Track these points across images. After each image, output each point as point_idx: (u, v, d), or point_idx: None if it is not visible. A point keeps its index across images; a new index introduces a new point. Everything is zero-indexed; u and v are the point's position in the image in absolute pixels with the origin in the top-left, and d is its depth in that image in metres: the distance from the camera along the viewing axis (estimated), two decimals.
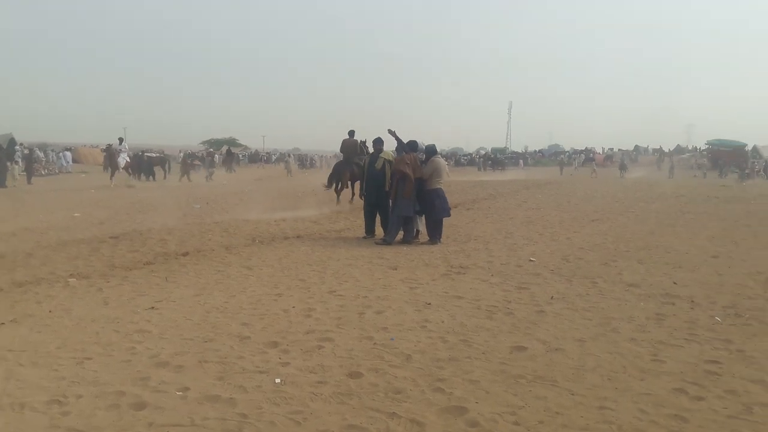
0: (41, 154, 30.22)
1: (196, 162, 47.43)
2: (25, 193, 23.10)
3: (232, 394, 4.09)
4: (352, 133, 18.18)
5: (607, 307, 6.42)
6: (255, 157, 68.62)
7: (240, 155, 63.83)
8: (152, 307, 6.36)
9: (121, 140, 27.66)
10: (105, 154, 32.06)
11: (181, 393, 4.10)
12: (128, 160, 27.85)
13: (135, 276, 7.97)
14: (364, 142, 17.60)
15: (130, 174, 27.83)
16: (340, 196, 17.81)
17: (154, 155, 37.17)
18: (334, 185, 17.74)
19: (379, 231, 11.60)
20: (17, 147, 34.00)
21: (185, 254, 9.51)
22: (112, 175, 26.76)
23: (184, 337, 5.35)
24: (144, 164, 34.09)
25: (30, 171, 29.26)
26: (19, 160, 32.03)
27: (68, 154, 43.75)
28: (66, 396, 4.03)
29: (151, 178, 32.88)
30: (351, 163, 17.69)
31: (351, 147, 17.98)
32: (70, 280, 7.60)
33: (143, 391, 4.13)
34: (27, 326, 5.65)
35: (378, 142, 11.93)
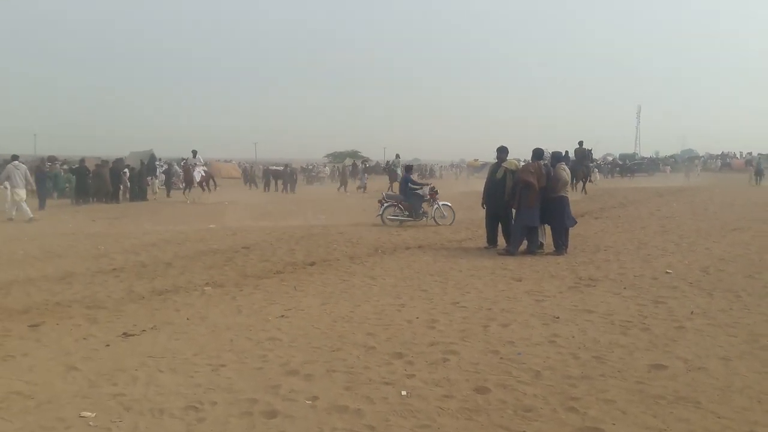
0: (179, 169, 32.30)
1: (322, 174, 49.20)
2: (164, 205, 24.75)
3: (360, 405, 4.11)
4: (581, 143, 27.32)
5: (753, 323, 5.94)
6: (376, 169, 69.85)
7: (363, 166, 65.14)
8: (282, 316, 6.57)
9: (194, 153, 26.72)
10: (181, 169, 29.96)
11: (310, 402, 4.18)
12: (203, 174, 26.29)
13: (266, 285, 8.27)
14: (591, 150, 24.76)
15: (204, 189, 25.99)
16: None
17: (279, 168, 38.68)
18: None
19: (501, 242, 11.38)
20: (157, 162, 36.54)
21: (312, 264, 9.77)
22: (188, 189, 25.73)
23: (312, 346, 5.47)
24: (271, 176, 35.90)
25: (169, 185, 31.31)
26: (160, 174, 34.40)
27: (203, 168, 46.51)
28: (202, 402, 4.21)
29: (287, 189, 34.35)
30: (582, 165, 26.37)
31: (581, 154, 27.17)
32: (206, 288, 8.01)
33: (274, 399, 4.24)
34: (166, 333, 5.98)
35: (502, 151, 11.62)
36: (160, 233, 14.01)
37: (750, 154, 66.92)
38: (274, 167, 40.48)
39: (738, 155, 68.22)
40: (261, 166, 49.66)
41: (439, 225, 15.27)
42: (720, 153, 70.57)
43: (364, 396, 4.27)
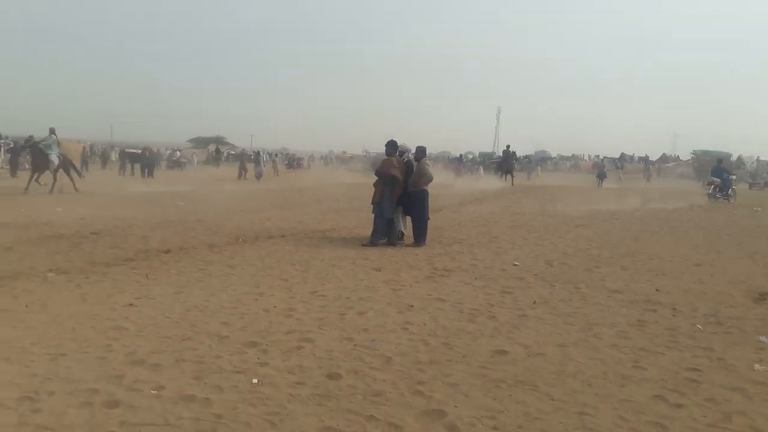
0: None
1: (183, 159, 47.28)
2: (10, 188, 22.76)
3: (208, 394, 4.03)
4: (508, 146, 34.69)
5: (589, 313, 6.42)
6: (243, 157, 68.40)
7: (228, 154, 63.66)
8: (131, 304, 6.28)
9: (52, 131, 20.54)
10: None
11: (156, 392, 4.04)
12: (60, 158, 20.53)
13: (115, 273, 7.87)
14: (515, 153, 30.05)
15: (66, 176, 20.62)
16: None
17: (138, 152, 36.63)
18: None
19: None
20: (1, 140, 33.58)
21: (167, 252, 9.41)
22: (39, 174, 20.46)
23: (161, 336, 5.27)
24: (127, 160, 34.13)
25: (15, 165, 28.85)
26: (4, 153, 31.59)
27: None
28: (38, 393, 3.95)
29: (145, 174, 32.68)
30: (507, 163, 34.14)
31: (506, 154, 34.75)
32: (48, 275, 7.49)
33: (117, 390, 4.06)
34: (1, 321, 5.55)
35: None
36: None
37: (597, 156, 72.36)
38: (132, 150, 38.33)
39: (586, 158, 73.49)
40: (117, 149, 46.90)
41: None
42: (571, 155, 75.65)
43: (213, 385, 4.18)
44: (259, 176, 33.38)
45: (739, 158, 57.23)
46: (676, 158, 69.01)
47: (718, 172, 24.28)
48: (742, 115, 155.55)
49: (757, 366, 4.83)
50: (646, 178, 45.45)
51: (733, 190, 23.87)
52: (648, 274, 8.54)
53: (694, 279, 8.29)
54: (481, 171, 48.87)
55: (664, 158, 70.29)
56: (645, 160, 64.25)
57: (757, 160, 56.51)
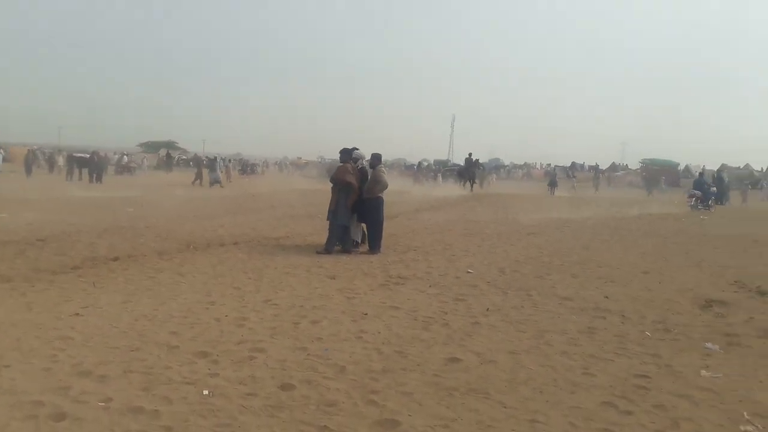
0: None
1: (132, 164, 46.36)
2: None
3: (157, 405, 3.93)
4: (470, 154, 37.18)
5: (540, 320, 6.50)
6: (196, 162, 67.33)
7: (179, 158, 62.71)
8: (77, 314, 6.11)
9: None
10: None
11: (103, 404, 3.93)
12: None
13: (61, 281, 7.67)
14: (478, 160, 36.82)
15: None
16: None
17: (86, 156, 35.64)
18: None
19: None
20: None
21: (115, 259, 9.20)
22: None
23: (109, 346, 5.14)
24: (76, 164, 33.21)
25: None
26: None
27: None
28: None
29: (93, 179, 31.88)
30: (469, 171, 35.67)
31: (469, 162, 36.70)
32: None
33: (63, 402, 3.94)
34: None
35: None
36: None
37: (549, 165, 73.81)
38: (80, 154, 37.31)
39: (539, 166, 74.94)
40: (65, 153, 45.60)
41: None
42: (523, 163, 77.06)
43: (162, 396, 4.08)
44: (213, 183, 32.77)
45: (686, 167, 59.12)
46: (625, 167, 70.90)
47: (699, 185, 25.21)
48: (691, 125, 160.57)
49: (703, 372, 4.96)
50: (594, 187, 46.42)
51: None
52: (597, 282, 8.71)
53: (642, 286, 8.49)
54: (440, 179, 49.32)
55: (613, 167, 72.14)
56: (595, 168, 65.81)
57: (703, 169, 58.48)
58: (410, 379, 4.59)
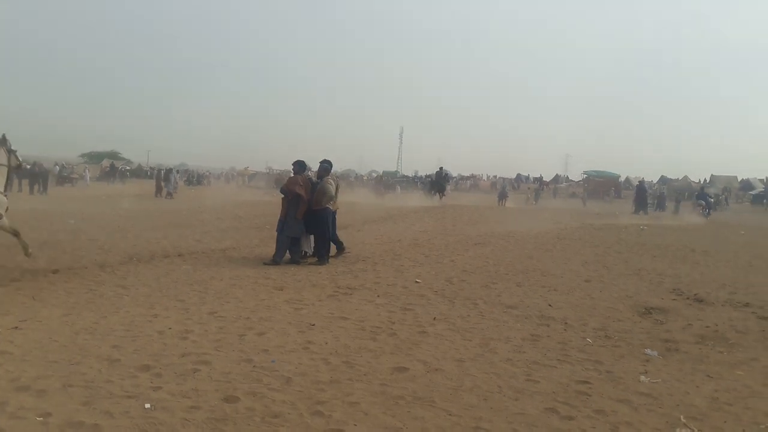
0: None
1: (74, 175, 45.12)
2: None
3: (98, 420, 3.84)
4: (441, 168, 38.70)
5: (486, 328, 6.60)
6: (138, 172, 66.03)
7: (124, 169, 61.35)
8: (16, 327, 5.91)
9: None
10: None
11: (41, 419, 3.82)
12: None
13: None
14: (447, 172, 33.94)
15: None
16: None
17: (27, 166, 34.54)
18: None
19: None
20: None
21: (55, 272, 8.94)
22: None
23: (48, 360, 4.99)
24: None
25: None
26: None
27: None
28: None
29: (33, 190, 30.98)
30: (438, 183, 36.28)
31: (439, 175, 37.43)
32: None
33: (0, 417, 3.82)
34: None
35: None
36: None
37: (495, 177, 75.01)
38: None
39: (485, 178, 76.06)
40: None
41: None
42: (470, 175, 78.09)
43: (103, 411, 3.98)
44: (168, 195, 32.52)
45: (627, 179, 60.92)
46: (567, 179, 72.68)
47: (702, 196, 31.11)
48: (631, 138, 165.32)
49: (642, 378, 5.11)
50: (534, 200, 47.08)
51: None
52: (541, 290, 8.88)
53: (584, 294, 8.69)
54: (398, 189, 49.82)
55: (557, 179, 73.81)
56: (539, 180, 67.22)
57: (642, 180, 60.39)
58: (357, 389, 4.59)
